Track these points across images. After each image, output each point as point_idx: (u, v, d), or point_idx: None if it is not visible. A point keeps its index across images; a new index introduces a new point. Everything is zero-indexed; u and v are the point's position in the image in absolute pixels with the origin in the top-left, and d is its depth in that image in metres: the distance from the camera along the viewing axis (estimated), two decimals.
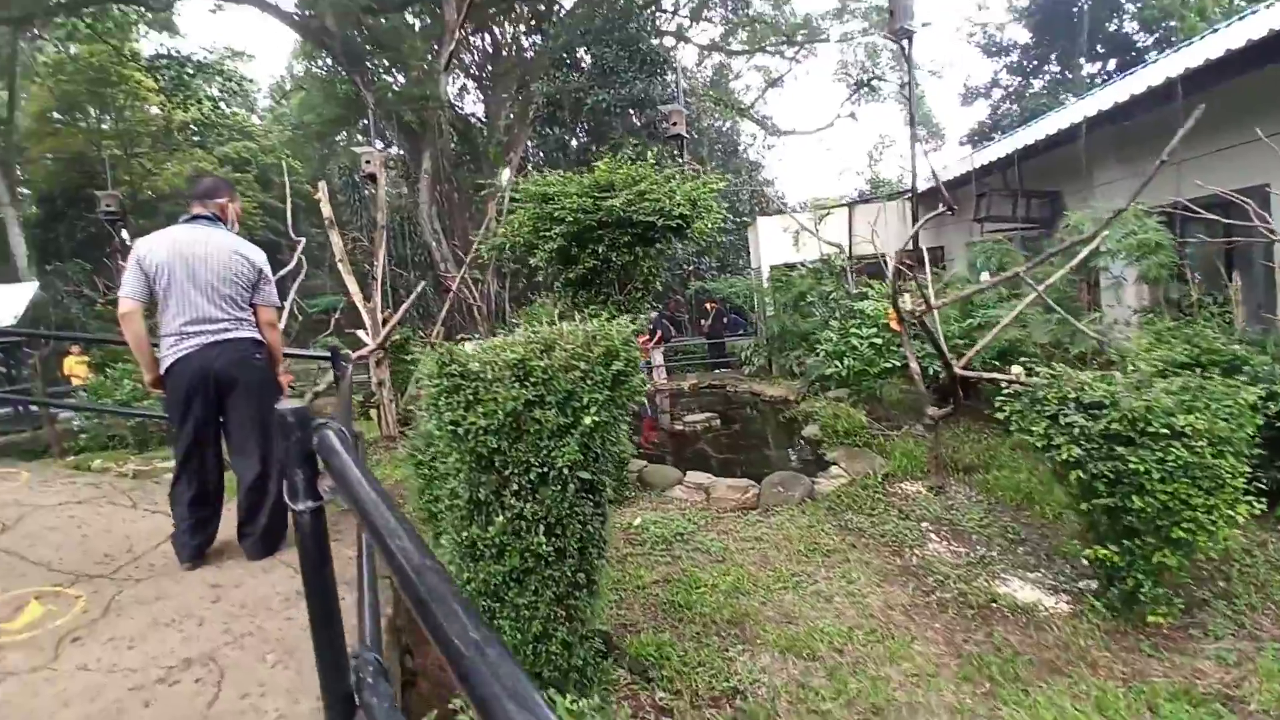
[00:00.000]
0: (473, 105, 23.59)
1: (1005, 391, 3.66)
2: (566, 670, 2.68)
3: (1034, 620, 3.89)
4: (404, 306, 5.84)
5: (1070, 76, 23.27)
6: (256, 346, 2.95)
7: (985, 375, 4.44)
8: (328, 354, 3.48)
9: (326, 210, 7.63)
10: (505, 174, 10.79)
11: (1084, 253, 4.54)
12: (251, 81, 26.39)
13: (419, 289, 6.37)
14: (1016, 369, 4.00)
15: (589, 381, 2.40)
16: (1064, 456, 3.26)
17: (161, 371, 2.86)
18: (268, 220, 24.31)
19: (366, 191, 20.51)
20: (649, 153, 5.56)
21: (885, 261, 6.06)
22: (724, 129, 24.82)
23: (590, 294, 5.24)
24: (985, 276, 8.11)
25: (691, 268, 16.26)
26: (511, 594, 2.49)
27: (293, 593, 2.60)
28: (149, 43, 20.98)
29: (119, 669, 2.14)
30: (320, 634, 1.07)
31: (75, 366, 10.58)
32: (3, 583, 2.81)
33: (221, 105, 24.28)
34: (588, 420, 2.35)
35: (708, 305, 13.66)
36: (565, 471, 2.37)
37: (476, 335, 10.57)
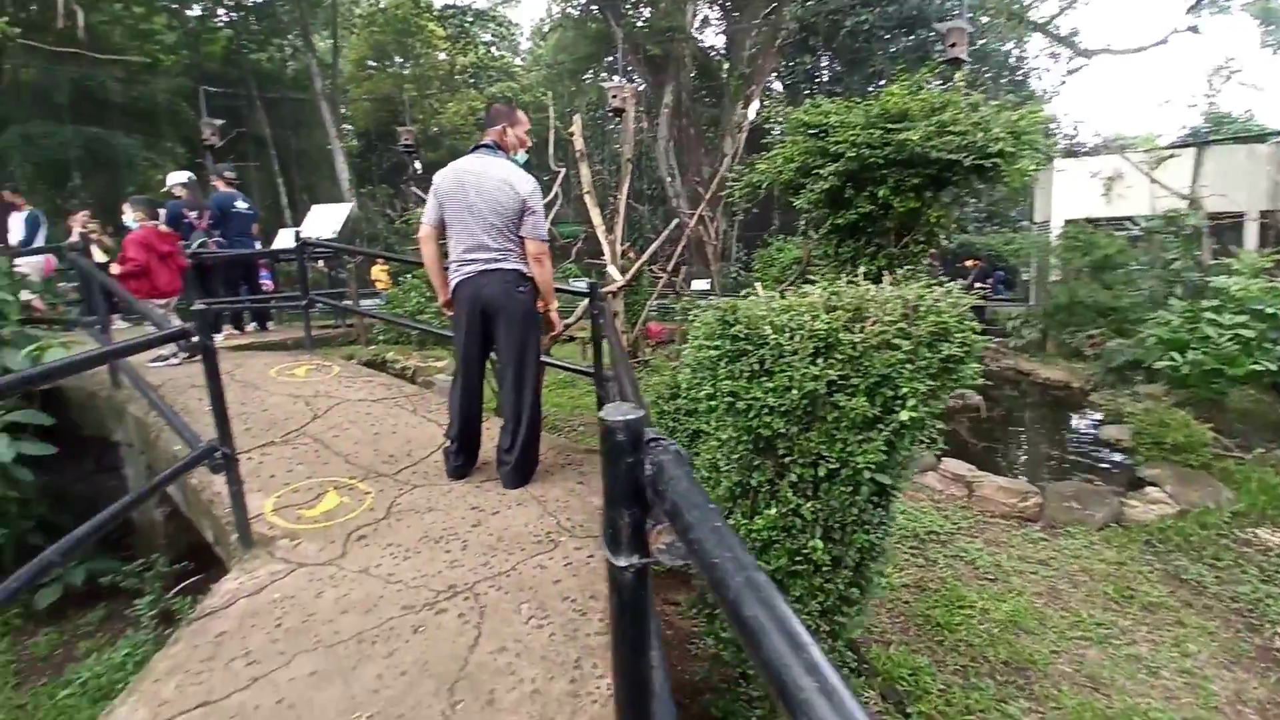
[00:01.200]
0: (713, 38, 22.76)
1: None
2: None
3: None
4: (654, 245, 5.70)
5: None
6: (521, 279, 2.90)
7: None
8: (586, 290, 3.38)
9: (579, 143, 7.76)
10: (752, 107, 10.07)
11: None
12: (516, 25, 28.59)
13: (671, 226, 6.21)
14: None
15: (910, 366, 1.85)
16: None
17: (449, 294, 2.97)
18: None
19: (608, 127, 21.21)
20: (957, 74, 4.50)
21: None
22: (1007, 51, 20.63)
23: (859, 243, 4.50)
24: None
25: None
26: None
27: (544, 535, 2.54)
28: None
29: (395, 581, 2.24)
30: None
31: (379, 275, 12.76)
32: (309, 468, 3.21)
33: (492, 50, 26.75)
34: (903, 415, 1.82)
35: (968, 263, 11.69)
36: (863, 473, 1.88)
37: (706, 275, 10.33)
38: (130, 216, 5.17)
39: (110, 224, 8.77)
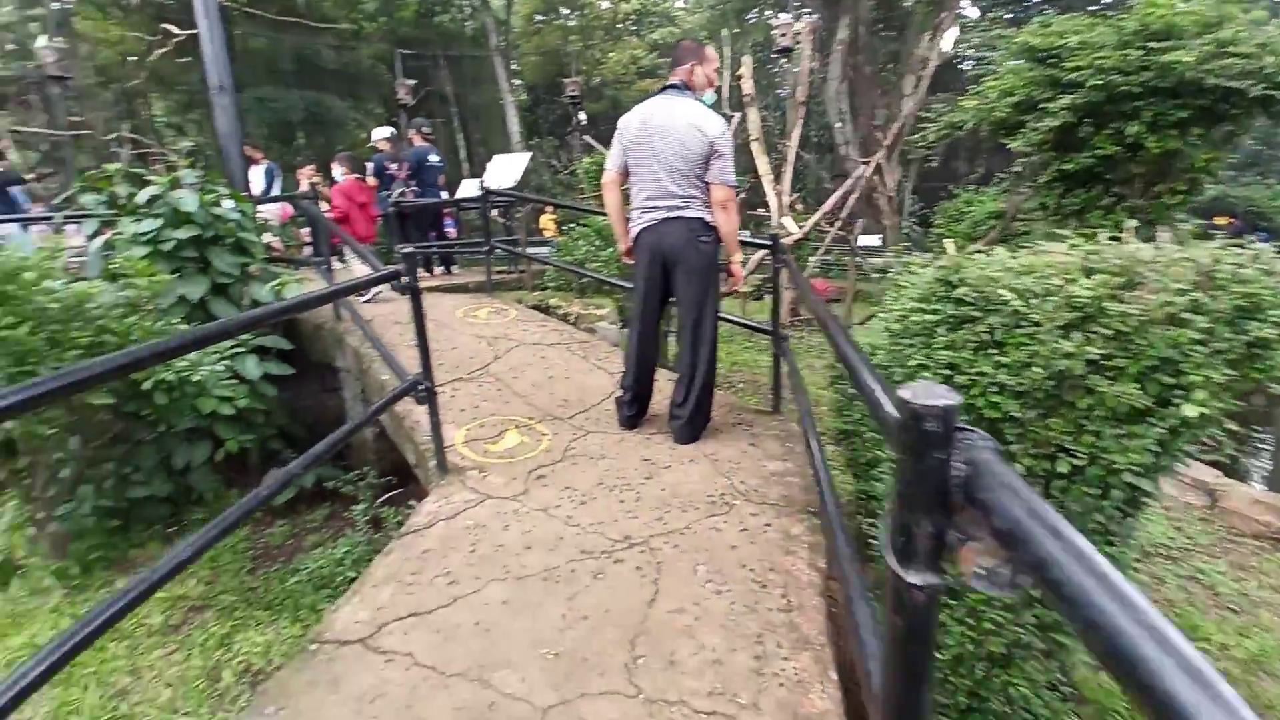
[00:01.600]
0: None
1: None
2: (1011, 712, 2.04)
3: None
4: (835, 196, 5.27)
5: None
6: (705, 228, 2.77)
7: None
8: (768, 242, 3.18)
9: (748, 86, 7.36)
10: (949, 36, 8.82)
11: None
12: None
13: (855, 176, 5.66)
14: None
15: (1204, 349, 1.47)
16: None
17: (630, 242, 2.92)
18: None
19: (772, 69, 19.99)
20: None
21: None
22: None
23: (1090, 194, 3.77)
24: None
25: None
26: (973, 599, 1.90)
27: (717, 495, 2.49)
28: None
29: (573, 524, 2.31)
30: None
31: (547, 223, 13.36)
32: (493, 405, 3.42)
33: None
34: (1189, 410, 1.47)
35: (1218, 220, 9.58)
36: (1121, 474, 1.56)
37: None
38: (338, 171, 5.81)
39: (327, 179, 10.00)
